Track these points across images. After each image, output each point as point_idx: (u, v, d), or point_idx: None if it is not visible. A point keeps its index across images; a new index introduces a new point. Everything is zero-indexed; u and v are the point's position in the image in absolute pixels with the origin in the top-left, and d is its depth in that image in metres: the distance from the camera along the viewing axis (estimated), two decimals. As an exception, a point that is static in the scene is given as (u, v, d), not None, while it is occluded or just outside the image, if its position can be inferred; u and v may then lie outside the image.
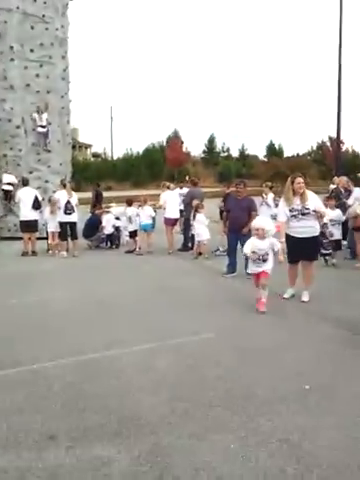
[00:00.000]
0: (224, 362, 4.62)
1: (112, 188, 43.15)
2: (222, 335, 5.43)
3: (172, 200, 12.12)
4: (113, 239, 13.15)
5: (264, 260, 6.43)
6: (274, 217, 11.23)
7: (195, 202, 11.21)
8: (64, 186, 12.12)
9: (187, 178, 13.78)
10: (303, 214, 6.93)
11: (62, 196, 11.78)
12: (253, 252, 6.42)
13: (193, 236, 11.60)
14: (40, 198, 12.38)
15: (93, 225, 13.04)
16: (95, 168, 50.35)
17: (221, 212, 11.31)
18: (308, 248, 7.03)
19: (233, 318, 6.17)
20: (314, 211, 6.94)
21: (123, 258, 11.50)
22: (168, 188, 12.50)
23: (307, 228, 6.97)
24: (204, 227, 10.96)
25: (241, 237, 8.79)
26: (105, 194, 25.31)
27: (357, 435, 3.28)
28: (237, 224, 8.83)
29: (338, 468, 2.91)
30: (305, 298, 7.00)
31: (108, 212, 13.33)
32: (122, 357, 4.77)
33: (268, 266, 6.47)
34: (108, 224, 12.93)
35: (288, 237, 7.05)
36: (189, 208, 11.81)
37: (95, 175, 42.91)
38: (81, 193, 17.90)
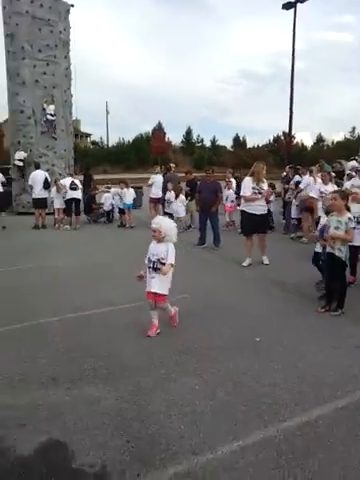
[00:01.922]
0: (194, 318, 4.65)
1: (107, 171, 42.39)
2: (195, 295, 5.45)
3: (158, 182, 11.92)
4: (110, 215, 12.96)
5: (156, 269, 4.14)
6: (233, 200, 11.40)
7: (169, 185, 11.10)
8: (72, 176, 11.99)
9: (172, 165, 13.48)
10: (260, 193, 6.98)
11: (67, 180, 11.64)
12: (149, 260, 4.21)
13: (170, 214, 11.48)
14: (49, 179, 12.05)
15: (89, 203, 12.90)
16: (93, 154, 49.31)
17: (186, 195, 11.26)
18: (261, 223, 7.11)
19: (204, 282, 6.18)
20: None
21: (116, 231, 11.40)
22: (158, 172, 12.28)
23: (261, 206, 7.03)
24: (182, 206, 10.92)
25: (210, 215, 8.81)
26: (102, 176, 24.82)
27: (295, 377, 3.38)
28: (206, 204, 8.75)
29: (280, 404, 3.00)
30: (266, 261, 7.16)
31: (107, 191, 13.09)
32: (112, 314, 4.79)
33: (160, 284, 4.12)
34: (107, 202, 12.70)
35: (244, 213, 7.09)
36: (165, 190, 11.65)
37: (93, 160, 42.05)
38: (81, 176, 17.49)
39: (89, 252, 8.42)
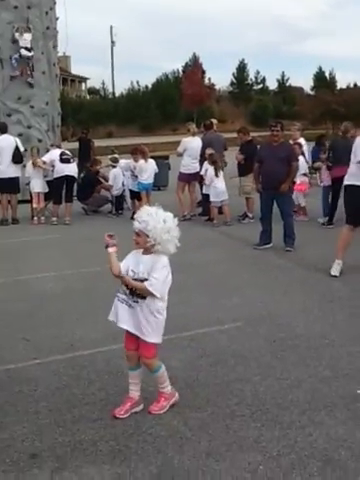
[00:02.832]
0: (253, 359, 4.64)
1: (113, 134, 43.01)
2: (252, 325, 5.44)
3: (194, 149, 11.97)
4: (121, 202, 13.16)
5: (137, 294, 3.71)
6: (306, 173, 11.31)
7: (209, 151, 11.07)
8: (59, 147, 12.44)
9: (214, 121, 13.45)
10: None
11: (54, 153, 11.97)
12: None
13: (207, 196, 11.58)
14: (22, 148, 12.27)
15: (88, 184, 13.07)
16: (91, 109, 50.16)
17: (239, 165, 11.36)
18: None
19: (267, 303, 6.17)
20: None
21: (128, 227, 11.41)
22: (194, 133, 12.30)
23: None
24: (221, 182, 11.00)
25: (278, 196, 8.80)
26: (105, 142, 25.01)
27: None
28: (273, 179, 8.75)
29: None
30: None
31: (114, 167, 13.26)
32: (123, 354, 4.80)
33: (143, 321, 3.71)
34: (116, 182, 12.90)
35: (355, 190, 7.01)
36: (202, 160, 11.61)
37: (92, 118, 42.79)
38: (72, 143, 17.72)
39: (89, 260, 8.50)
